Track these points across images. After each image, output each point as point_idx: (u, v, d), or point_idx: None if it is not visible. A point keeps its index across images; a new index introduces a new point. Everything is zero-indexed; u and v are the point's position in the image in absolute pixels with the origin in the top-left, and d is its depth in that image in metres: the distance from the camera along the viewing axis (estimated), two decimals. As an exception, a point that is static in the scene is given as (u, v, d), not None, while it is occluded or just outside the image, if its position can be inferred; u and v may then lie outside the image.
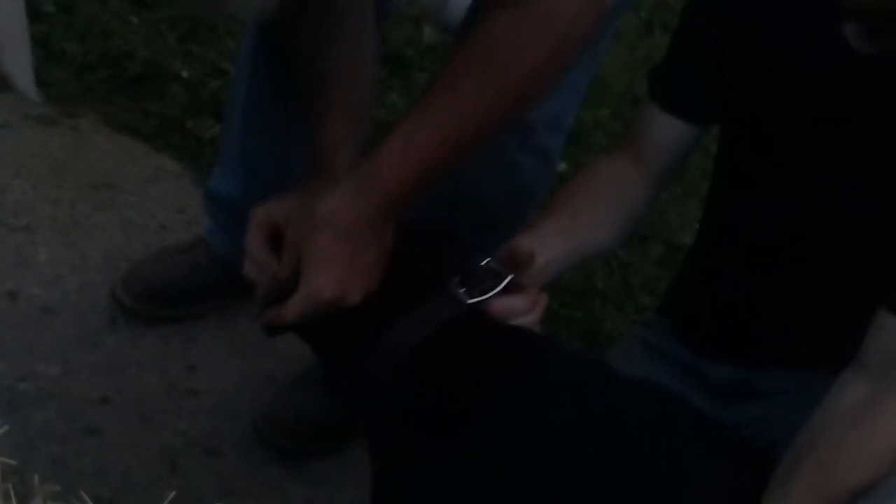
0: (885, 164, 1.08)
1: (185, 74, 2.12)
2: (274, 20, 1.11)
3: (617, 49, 2.49)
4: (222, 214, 1.71)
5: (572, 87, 1.43)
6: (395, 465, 1.06)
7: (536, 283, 1.10)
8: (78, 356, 1.62)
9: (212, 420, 1.58)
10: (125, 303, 1.69)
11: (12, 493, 0.83)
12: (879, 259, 1.07)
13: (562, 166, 2.04)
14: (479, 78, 1.00)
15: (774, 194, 1.17)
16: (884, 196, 1.09)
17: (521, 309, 1.07)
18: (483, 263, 1.08)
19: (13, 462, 0.92)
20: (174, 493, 0.96)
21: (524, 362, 1.05)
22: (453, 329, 1.04)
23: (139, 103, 2.08)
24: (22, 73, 1.15)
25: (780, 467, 0.98)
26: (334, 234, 1.02)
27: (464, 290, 1.05)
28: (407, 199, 1.04)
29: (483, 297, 1.05)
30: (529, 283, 1.09)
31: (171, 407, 1.58)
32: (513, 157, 1.41)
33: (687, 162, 1.30)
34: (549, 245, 1.14)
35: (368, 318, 1.05)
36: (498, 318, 1.06)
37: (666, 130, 1.23)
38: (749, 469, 1.04)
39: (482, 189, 1.39)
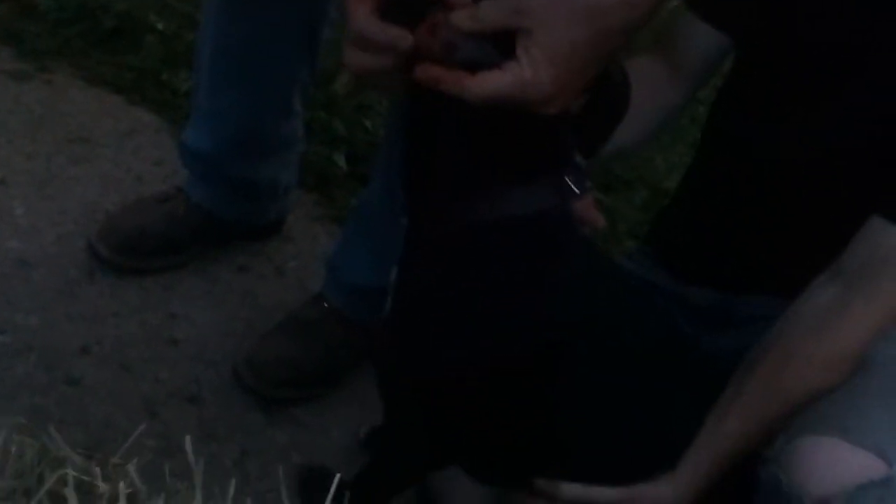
0: None
1: (160, 27, 2.09)
2: None
3: None
4: (197, 166, 1.70)
5: None
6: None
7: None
8: (57, 307, 1.60)
9: (192, 368, 1.58)
10: (103, 254, 1.67)
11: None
12: (872, 183, 1.06)
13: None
14: None
15: (783, 120, 1.16)
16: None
17: (591, 219, 1.04)
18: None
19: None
20: (143, 425, 0.94)
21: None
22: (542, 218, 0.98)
23: (115, 57, 2.05)
24: None
25: (740, 368, 0.98)
26: (593, 34, 0.88)
27: (572, 180, 0.99)
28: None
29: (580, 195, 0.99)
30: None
31: (152, 356, 1.58)
32: None
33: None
34: None
35: (530, 132, 0.93)
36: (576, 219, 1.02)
37: (702, 38, 1.21)
38: None
39: None
